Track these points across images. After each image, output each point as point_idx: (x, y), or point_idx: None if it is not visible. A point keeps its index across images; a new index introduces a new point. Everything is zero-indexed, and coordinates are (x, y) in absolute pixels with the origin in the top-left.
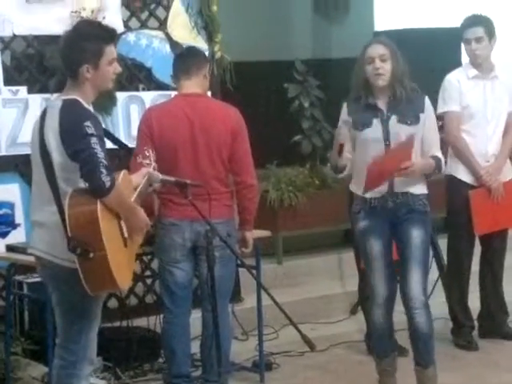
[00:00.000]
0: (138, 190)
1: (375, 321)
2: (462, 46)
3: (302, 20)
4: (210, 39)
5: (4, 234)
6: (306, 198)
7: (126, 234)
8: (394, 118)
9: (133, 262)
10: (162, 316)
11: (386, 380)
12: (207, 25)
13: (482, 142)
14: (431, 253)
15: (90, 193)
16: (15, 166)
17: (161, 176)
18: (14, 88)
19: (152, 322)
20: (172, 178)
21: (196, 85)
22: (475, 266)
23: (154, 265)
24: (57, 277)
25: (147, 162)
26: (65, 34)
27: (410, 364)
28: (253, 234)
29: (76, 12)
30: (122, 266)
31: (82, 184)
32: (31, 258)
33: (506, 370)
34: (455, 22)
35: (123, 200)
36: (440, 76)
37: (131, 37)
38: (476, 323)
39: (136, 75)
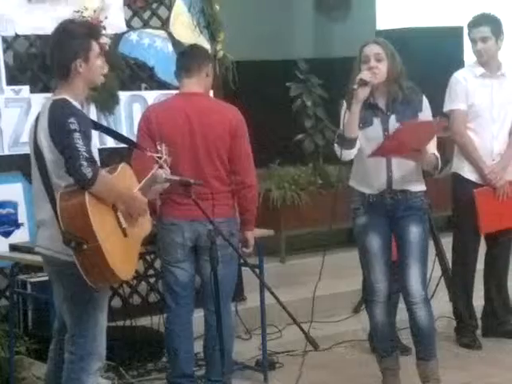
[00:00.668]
0: (141, 184)
1: (376, 319)
2: (465, 44)
3: (305, 19)
4: (213, 38)
5: (7, 234)
6: (309, 197)
7: (124, 225)
8: (393, 118)
9: (136, 252)
10: (165, 315)
11: (390, 379)
12: (209, 24)
13: (488, 141)
14: (434, 251)
15: (78, 186)
16: (18, 166)
17: (164, 175)
18: (16, 87)
19: (155, 321)
20: (176, 177)
21: (197, 83)
22: (479, 265)
23: (158, 264)
24: (60, 272)
25: (159, 155)
26: (52, 35)
27: (413, 363)
28: (254, 234)
29: (78, 11)
30: (121, 257)
31: None
32: (35, 258)
33: (509, 368)
34: (458, 21)
35: (112, 189)
36: (442, 75)
37: (133, 36)
38: (479, 322)
39: (138, 74)
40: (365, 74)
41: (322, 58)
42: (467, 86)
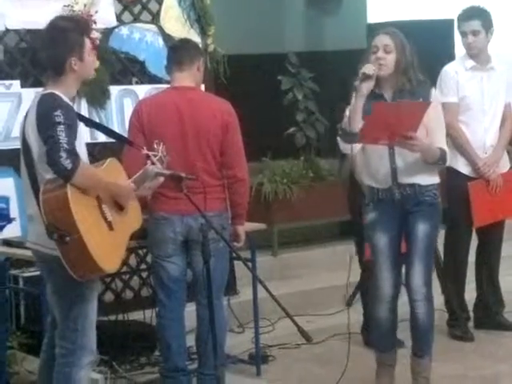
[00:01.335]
0: (133, 178)
1: (380, 316)
2: (456, 37)
3: (295, 12)
4: (203, 32)
5: None
6: (301, 191)
7: (110, 218)
8: None
9: (123, 246)
10: (157, 309)
11: (383, 370)
12: (200, 18)
13: (480, 134)
14: None
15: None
16: (9, 161)
17: (155, 169)
18: (7, 82)
19: (148, 316)
20: (167, 171)
21: (189, 77)
22: (471, 257)
23: (150, 258)
24: (47, 266)
25: (154, 153)
26: (44, 32)
27: (406, 356)
28: (245, 228)
29: (68, 6)
30: (106, 249)
31: None
32: (26, 252)
33: (501, 360)
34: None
35: (94, 179)
36: (432, 68)
37: (124, 30)
38: (472, 314)
39: (129, 69)
40: (368, 68)
41: (313, 52)
42: (458, 79)
